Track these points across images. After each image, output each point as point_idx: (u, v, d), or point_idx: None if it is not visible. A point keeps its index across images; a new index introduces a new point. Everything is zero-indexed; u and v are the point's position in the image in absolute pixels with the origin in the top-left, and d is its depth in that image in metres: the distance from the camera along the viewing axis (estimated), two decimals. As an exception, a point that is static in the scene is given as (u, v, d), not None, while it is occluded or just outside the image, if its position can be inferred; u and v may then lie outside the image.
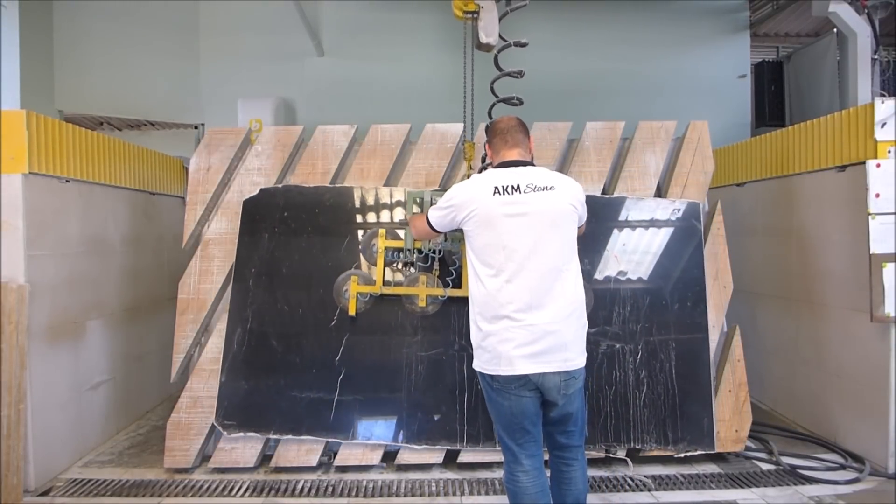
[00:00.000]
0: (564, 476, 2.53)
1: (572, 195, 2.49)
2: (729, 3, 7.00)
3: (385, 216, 3.92)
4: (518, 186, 2.41)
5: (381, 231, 3.80)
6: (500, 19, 3.62)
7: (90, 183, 4.06)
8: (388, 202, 3.94)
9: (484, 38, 3.54)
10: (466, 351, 3.70)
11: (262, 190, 3.92)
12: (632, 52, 6.83)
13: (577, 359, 2.40)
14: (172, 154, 5.37)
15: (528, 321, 2.33)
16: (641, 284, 3.82)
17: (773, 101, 7.19)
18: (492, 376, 2.41)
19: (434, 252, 3.74)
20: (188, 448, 3.65)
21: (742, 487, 3.43)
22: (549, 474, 2.57)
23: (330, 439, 3.61)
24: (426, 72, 6.65)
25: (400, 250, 3.79)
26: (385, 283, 3.74)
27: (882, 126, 3.56)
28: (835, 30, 5.98)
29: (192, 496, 3.40)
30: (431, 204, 3.45)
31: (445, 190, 3.67)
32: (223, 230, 3.90)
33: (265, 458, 3.71)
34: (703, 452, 3.66)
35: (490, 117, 3.66)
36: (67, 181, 3.81)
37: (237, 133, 4.08)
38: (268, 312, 3.76)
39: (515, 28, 3.65)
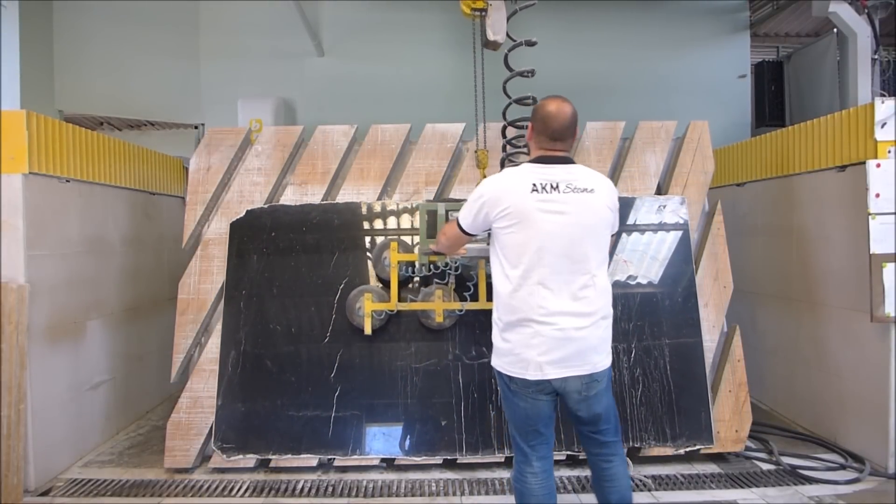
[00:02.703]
0: (606, 473, 2.46)
1: (610, 199, 2.41)
2: (729, 3, 7.00)
3: (378, 228, 3.92)
4: (557, 185, 2.30)
5: (393, 244, 3.68)
6: (508, 18, 3.60)
7: (90, 183, 4.06)
8: (378, 215, 3.94)
9: (492, 36, 3.51)
10: (461, 360, 3.71)
11: (248, 211, 3.92)
12: (632, 52, 6.82)
13: (601, 362, 2.36)
14: (172, 154, 5.37)
15: (556, 326, 2.26)
16: (632, 281, 3.84)
17: (773, 101, 7.18)
18: (510, 377, 2.36)
19: (453, 269, 3.63)
20: (188, 448, 3.65)
21: (742, 487, 3.43)
22: (588, 473, 2.51)
23: (329, 456, 3.61)
24: (426, 71, 6.65)
25: (413, 263, 3.69)
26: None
27: (882, 126, 3.56)
28: (835, 30, 5.97)
29: (192, 496, 3.40)
30: (447, 217, 3.35)
31: (458, 200, 3.60)
32: (223, 230, 3.90)
33: (265, 458, 3.71)
34: (703, 447, 3.66)
35: (504, 118, 3.58)
36: (67, 181, 3.81)
37: (237, 133, 4.08)
38: (261, 333, 3.75)
39: (517, 28, 3.64)
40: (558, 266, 2.28)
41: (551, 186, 2.30)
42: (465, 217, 2.52)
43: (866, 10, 5.38)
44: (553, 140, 2.38)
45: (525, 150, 3.54)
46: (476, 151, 3.73)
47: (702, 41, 6.97)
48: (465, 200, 3.63)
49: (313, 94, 6.75)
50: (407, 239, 3.87)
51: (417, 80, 6.66)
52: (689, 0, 6.91)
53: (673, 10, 6.88)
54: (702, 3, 6.95)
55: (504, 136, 3.66)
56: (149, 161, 4.86)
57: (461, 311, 3.67)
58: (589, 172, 2.41)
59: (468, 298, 3.66)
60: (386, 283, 3.77)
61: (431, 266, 3.64)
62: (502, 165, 3.68)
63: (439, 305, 3.65)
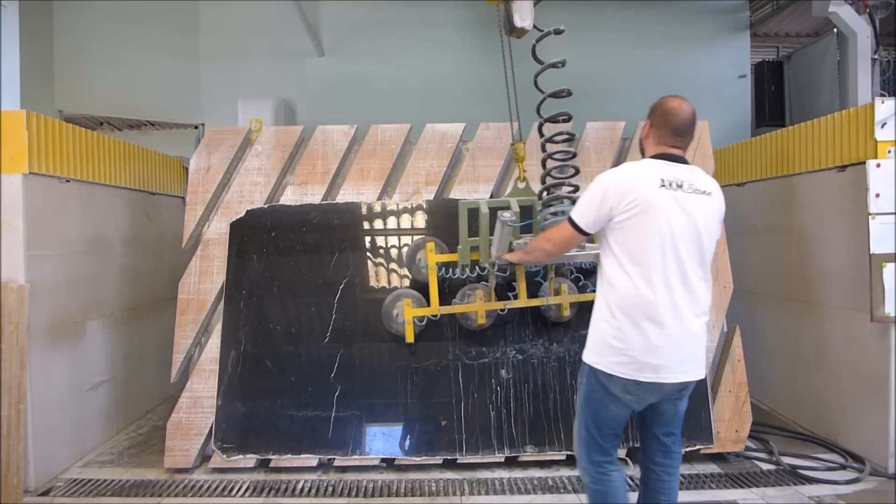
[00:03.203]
0: (666, 486, 2.43)
1: (722, 205, 2.40)
2: (729, 3, 7.00)
3: (378, 228, 3.92)
4: (682, 184, 2.25)
5: (430, 244, 3.56)
6: (535, 3, 3.52)
7: (90, 183, 4.06)
8: (379, 215, 3.93)
9: (519, 23, 3.41)
10: (461, 360, 3.71)
11: (248, 211, 3.92)
12: (632, 52, 6.82)
13: (704, 366, 2.39)
14: (172, 154, 5.38)
15: (676, 329, 2.22)
16: None
17: (773, 101, 7.17)
18: (611, 377, 2.26)
19: (503, 271, 3.47)
20: (188, 448, 3.65)
21: (742, 487, 3.43)
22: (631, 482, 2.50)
23: (329, 456, 3.61)
24: (426, 71, 6.64)
25: (453, 265, 3.53)
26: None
27: (882, 126, 3.56)
28: (835, 30, 5.97)
29: (192, 496, 3.40)
30: (491, 216, 3.25)
31: (498, 199, 3.45)
32: (223, 230, 3.90)
33: (265, 458, 3.71)
34: (703, 447, 3.66)
35: (539, 115, 3.51)
36: (67, 181, 3.81)
37: (237, 133, 4.08)
38: (261, 333, 3.75)
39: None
40: (680, 265, 2.23)
41: (677, 184, 2.25)
42: (584, 214, 2.34)
43: (867, 10, 5.38)
44: (675, 136, 2.34)
45: (565, 152, 3.51)
46: (512, 144, 3.58)
47: (702, 41, 6.97)
48: (501, 198, 3.60)
49: (313, 94, 6.75)
50: (407, 239, 3.86)
51: (417, 79, 6.65)
52: (689, 0, 6.91)
53: (673, 10, 6.88)
54: (702, 3, 6.95)
55: (541, 133, 3.56)
56: (149, 161, 4.86)
57: (503, 311, 3.57)
58: (706, 176, 2.39)
59: (510, 298, 3.54)
60: (417, 287, 3.71)
61: (477, 267, 3.48)
62: (543, 165, 3.58)
63: (481, 306, 3.53)
